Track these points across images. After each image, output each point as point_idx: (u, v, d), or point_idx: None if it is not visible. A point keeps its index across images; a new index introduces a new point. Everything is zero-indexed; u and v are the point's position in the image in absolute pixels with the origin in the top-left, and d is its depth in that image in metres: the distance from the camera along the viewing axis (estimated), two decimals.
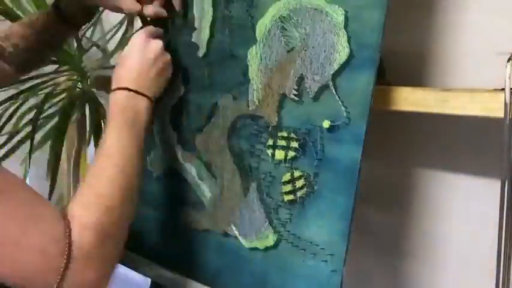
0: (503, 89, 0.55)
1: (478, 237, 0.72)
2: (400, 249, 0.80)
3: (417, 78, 0.76)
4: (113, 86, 0.72)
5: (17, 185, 0.56)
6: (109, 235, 0.58)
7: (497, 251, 0.55)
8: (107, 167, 0.64)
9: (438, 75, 0.74)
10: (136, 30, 0.79)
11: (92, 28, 1.32)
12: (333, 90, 0.63)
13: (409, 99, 0.62)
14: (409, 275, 0.80)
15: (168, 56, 0.77)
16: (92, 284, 0.55)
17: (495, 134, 0.57)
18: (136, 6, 0.78)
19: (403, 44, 0.76)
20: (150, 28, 0.79)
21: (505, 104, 0.54)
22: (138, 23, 1.16)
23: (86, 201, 0.59)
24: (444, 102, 0.59)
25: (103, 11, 1.30)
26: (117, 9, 0.80)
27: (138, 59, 0.73)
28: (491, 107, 0.56)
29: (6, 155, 1.24)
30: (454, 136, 0.74)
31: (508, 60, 0.55)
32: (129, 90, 0.71)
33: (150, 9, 0.79)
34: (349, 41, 0.62)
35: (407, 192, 0.79)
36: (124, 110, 0.69)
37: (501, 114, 0.54)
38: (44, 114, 1.25)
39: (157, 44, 0.76)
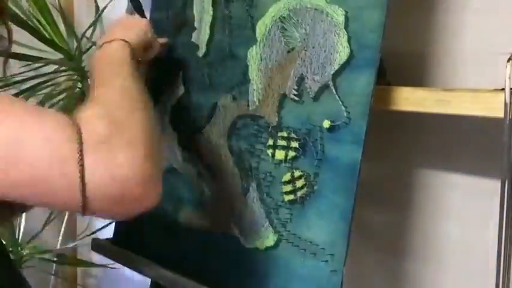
0: (503, 89, 0.55)
1: (478, 237, 0.72)
2: (400, 249, 0.80)
3: (417, 78, 0.76)
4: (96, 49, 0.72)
5: (14, 101, 0.50)
6: (123, 123, 0.48)
7: (497, 251, 0.55)
8: (110, 88, 0.57)
9: (438, 75, 0.74)
10: None
11: (92, 28, 1.32)
12: (333, 90, 0.64)
13: (409, 99, 0.62)
14: (409, 275, 0.80)
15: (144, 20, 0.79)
16: (126, 170, 0.45)
17: (495, 134, 0.57)
18: None
19: (403, 44, 0.76)
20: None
21: (505, 104, 0.54)
22: None
23: (95, 99, 0.53)
24: (444, 102, 0.59)
25: (103, 10, 1.30)
26: None
27: (117, 25, 0.75)
28: (491, 107, 0.56)
29: None
30: (454, 136, 0.74)
31: (508, 60, 0.55)
32: (108, 42, 0.69)
33: None
34: (349, 41, 0.62)
35: (407, 192, 0.79)
36: (107, 56, 0.67)
37: (501, 114, 0.54)
38: None
39: (142, 21, 0.78)
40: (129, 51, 0.69)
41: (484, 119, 0.57)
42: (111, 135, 0.46)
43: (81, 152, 0.44)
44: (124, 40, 0.70)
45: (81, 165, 0.43)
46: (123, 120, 0.49)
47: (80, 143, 0.44)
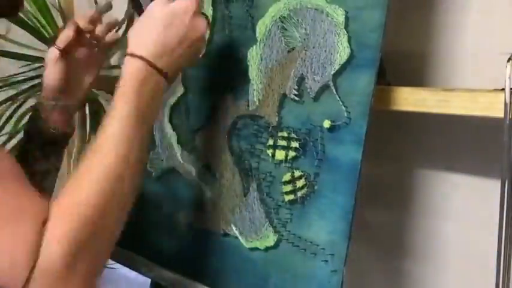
0: (503, 89, 0.55)
1: (478, 237, 0.72)
2: (400, 249, 0.80)
3: (417, 78, 0.76)
4: (131, 49, 0.60)
5: (9, 173, 0.51)
6: (85, 249, 0.50)
7: (497, 251, 0.55)
8: (96, 166, 0.54)
9: (438, 75, 0.74)
10: None
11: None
12: (334, 90, 0.64)
13: (409, 99, 0.62)
14: (409, 275, 0.80)
15: (205, 40, 0.67)
16: None
17: (495, 134, 0.57)
18: None
19: (403, 44, 0.76)
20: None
21: (505, 104, 0.54)
22: None
23: (63, 207, 0.51)
24: (444, 102, 0.59)
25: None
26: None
27: (175, 36, 0.61)
28: (491, 107, 0.56)
29: None
30: (454, 136, 0.74)
31: (508, 60, 0.55)
32: (150, 64, 0.59)
33: None
34: (349, 41, 0.62)
35: (407, 192, 0.79)
36: (140, 89, 0.58)
37: (501, 114, 0.54)
38: None
39: (204, 25, 0.64)
40: (162, 98, 0.61)
41: (484, 119, 0.57)
42: (63, 265, 0.48)
43: (29, 277, 0.47)
44: (167, 79, 0.60)
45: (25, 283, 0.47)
46: (85, 245, 0.50)
47: (32, 269, 0.47)
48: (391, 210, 0.82)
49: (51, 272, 0.48)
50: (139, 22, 0.63)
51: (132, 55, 0.60)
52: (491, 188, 0.68)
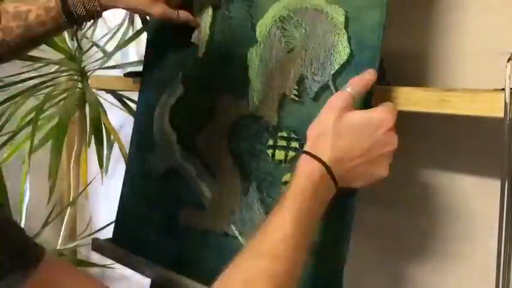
0: (503, 89, 0.55)
1: (478, 237, 0.72)
2: (400, 249, 0.80)
3: (417, 78, 0.76)
4: (311, 148, 0.57)
5: None
6: None
7: (497, 251, 0.55)
8: (266, 265, 0.52)
9: (438, 75, 0.74)
10: None
11: (92, 28, 1.32)
12: (333, 91, 0.64)
13: (409, 99, 0.62)
14: (409, 275, 0.80)
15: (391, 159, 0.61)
16: None
17: (495, 134, 0.57)
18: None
19: (403, 44, 0.76)
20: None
21: (505, 104, 0.54)
22: (138, 23, 1.16)
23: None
24: (444, 102, 0.59)
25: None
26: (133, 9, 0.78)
27: (366, 146, 0.57)
28: (491, 107, 0.56)
29: (6, 155, 1.24)
30: (454, 136, 0.74)
31: (508, 60, 0.55)
32: (330, 173, 0.56)
33: (158, 9, 0.74)
34: (349, 41, 0.62)
35: (408, 192, 0.79)
36: (316, 197, 0.55)
37: (501, 114, 0.54)
38: (44, 114, 1.25)
39: (396, 142, 0.60)
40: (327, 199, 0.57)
41: (484, 119, 0.57)
42: None
43: None
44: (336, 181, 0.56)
45: None
46: None
47: None
48: (391, 210, 0.82)
49: None
50: (322, 119, 0.59)
51: (311, 155, 0.57)
52: (491, 188, 0.68)
